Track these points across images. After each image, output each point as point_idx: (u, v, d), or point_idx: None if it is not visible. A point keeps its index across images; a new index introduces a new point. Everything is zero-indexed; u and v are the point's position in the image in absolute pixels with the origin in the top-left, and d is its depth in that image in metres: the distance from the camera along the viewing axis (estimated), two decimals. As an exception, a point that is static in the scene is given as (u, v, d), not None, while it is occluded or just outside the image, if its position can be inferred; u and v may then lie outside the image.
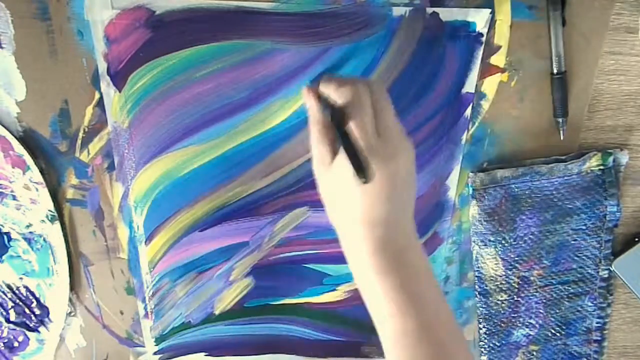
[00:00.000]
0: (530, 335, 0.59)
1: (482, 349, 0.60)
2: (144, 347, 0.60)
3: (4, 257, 0.55)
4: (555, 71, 0.50)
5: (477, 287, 0.58)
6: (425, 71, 0.50)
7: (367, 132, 0.38)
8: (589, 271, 0.57)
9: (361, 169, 0.36)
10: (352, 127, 0.38)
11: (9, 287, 0.56)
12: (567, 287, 0.58)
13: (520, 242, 0.56)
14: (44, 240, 0.54)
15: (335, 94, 0.40)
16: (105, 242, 0.55)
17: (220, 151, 0.52)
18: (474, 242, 0.56)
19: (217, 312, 0.58)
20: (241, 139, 0.51)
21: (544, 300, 0.58)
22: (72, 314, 0.58)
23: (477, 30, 0.48)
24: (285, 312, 0.59)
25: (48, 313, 0.57)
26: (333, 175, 0.40)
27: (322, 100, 0.41)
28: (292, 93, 0.50)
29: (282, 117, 0.51)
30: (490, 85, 0.51)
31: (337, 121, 0.39)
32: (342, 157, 0.38)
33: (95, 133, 0.51)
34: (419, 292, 0.39)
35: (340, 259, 0.56)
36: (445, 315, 0.40)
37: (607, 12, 0.49)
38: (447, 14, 0.48)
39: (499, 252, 0.56)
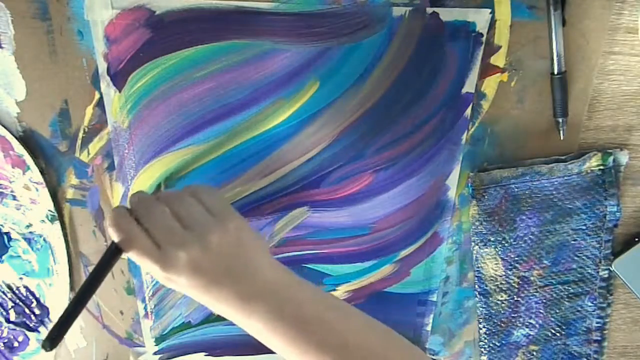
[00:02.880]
0: (530, 335, 0.59)
1: (482, 349, 0.60)
2: (144, 347, 0.60)
3: (4, 257, 0.55)
4: (555, 71, 0.50)
5: (477, 287, 0.58)
6: (425, 71, 0.50)
7: (144, 252, 0.39)
8: (589, 271, 0.57)
9: (54, 334, 0.38)
10: (130, 256, 0.40)
11: (9, 287, 0.56)
12: (567, 287, 0.58)
13: (520, 242, 0.56)
14: (44, 240, 0.54)
15: (110, 234, 0.41)
16: (105, 242, 0.55)
17: (220, 151, 0.52)
18: (474, 242, 0.56)
19: (217, 312, 0.58)
20: (241, 139, 0.51)
21: (544, 300, 0.58)
22: (72, 314, 0.58)
23: (477, 30, 0.48)
24: (285, 312, 0.59)
25: (48, 313, 0.57)
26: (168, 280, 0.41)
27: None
28: (292, 93, 0.50)
29: (282, 118, 0.51)
30: (490, 85, 0.51)
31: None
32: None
33: (95, 133, 0.51)
34: (319, 334, 0.40)
35: (340, 258, 0.57)
36: (367, 340, 0.42)
37: (607, 12, 0.49)
38: (447, 14, 0.48)
39: (499, 252, 0.56)
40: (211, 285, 0.40)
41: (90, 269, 0.56)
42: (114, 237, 0.40)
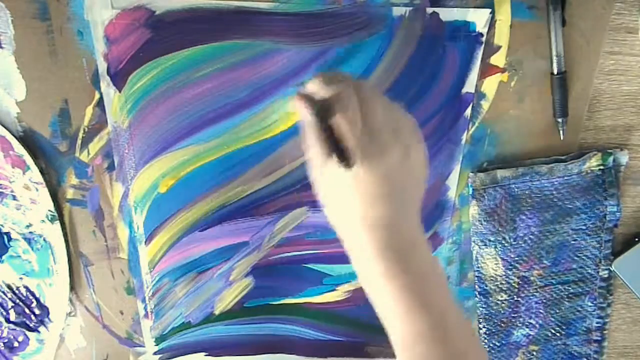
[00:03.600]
0: (530, 335, 0.59)
1: (482, 349, 0.60)
2: (144, 347, 0.60)
3: (4, 257, 0.55)
4: (555, 71, 0.50)
5: (477, 287, 0.58)
6: (425, 71, 0.50)
7: (352, 126, 0.37)
8: (589, 271, 0.57)
9: (343, 156, 0.35)
10: (338, 119, 0.37)
11: (9, 287, 0.56)
12: (567, 287, 0.58)
13: (520, 242, 0.56)
14: (44, 240, 0.54)
15: (322, 89, 0.38)
16: (105, 242, 0.55)
17: (221, 151, 0.52)
18: (474, 242, 0.56)
19: (217, 312, 0.58)
20: (241, 139, 0.51)
21: (544, 300, 0.58)
22: (72, 314, 0.58)
23: (477, 30, 0.48)
24: (285, 312, 0.59)
25: (48, 313, 0.57)
26: (329, 177, 0.39)
27: (313, 101, 0.40)
28: (292, 93, 0.50)
29: (283, 119, 0.51)
30: (490, 85, 0.51)
31: (322, 117, 0.38)
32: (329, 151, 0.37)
33: (95, 133, 0.51)
34: (427, 292, 0.38)
35: (340, 259, 0.57)
36: (454, 315, 0.39)
37: (607, 12, 0.49)
38: (447, 14, 0.48)
39: (499, 252, 0.56)
40: (380, 199, 0.37)
41: (90, 269, 0.56)
42: (328, 91, 0.37)
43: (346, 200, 0.38)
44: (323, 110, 0.37)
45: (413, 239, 0.39)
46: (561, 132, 0.52)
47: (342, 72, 0.42)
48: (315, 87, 0.39)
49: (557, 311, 0.58)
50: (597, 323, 0.59)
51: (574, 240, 0.56)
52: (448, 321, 0.38)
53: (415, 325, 0.37)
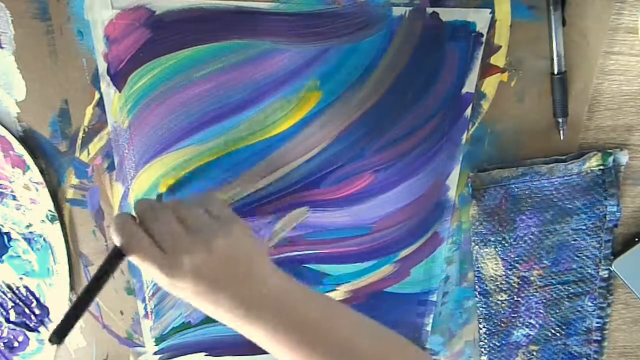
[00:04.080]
0: (530, 335, 0.59)
1: (482, 349, 0.60)
2: (144, 347, 0.60)
3: (4, 257, 0.55)
4: (555, 71, 0.50)
5: (477, 287, 0.58)
6: (425, 71, 0.50)
7: (148, 257, 0.40)
8: (589, 271, 0.57)
9: (60, 329, 0.39)
10: (134, 260, 0.40)
11: (9, 287, 0.56)
12: (567, 287, 0.58)
13: (520, 242, 0.56)
14: (44, 240, 0.54)
15: (112, 237, 0.41)
16: (105, 242, 0.55)
17: (220, 151, 0.52)
18: (474, 242, 0.56)
19: (217, 312, 0.58)
20: (241, 139, 0.51)
21: (544, 300, 0.58)
22: (72, 314, 0.58)
23: (477, 30, 0.48)
24: (285, 312, 0.59)
25: (48, 313, 0.57)
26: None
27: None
28: (291, 93, 0.50)
29: (283, 119, 0.51)
30: (490, 85, 0.51)
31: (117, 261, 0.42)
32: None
33: (95, 133, 0.51)
34: (324, 340, 0.40)
35: (340, 258, 0.57)
36: (363, 340, 0.41)
37: (607, 12, 0.49)
38: (447, 14, 0.48)
39: (499, 252, 0.56)
40: (214, 291, 0.40)
41: (91, 269, 0.56)
42: (116, 240, 0.41)
43: (192, 301, 0.41)
44: (118, 256, 0.41)
45: (280, 300, 0.41)
46: (561, 132, 0.52)
47: (135, 205, 0.45)
48: (111, 235, 0.42)
49: (557, 311, 0.58)
50: (597, 323, 0.59)
51: (574, 240, 0.56)
52: (360, 357, 0.41)
53: (305, 350, 0.40)
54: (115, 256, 0.41)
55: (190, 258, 0.39)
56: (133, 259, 0.40)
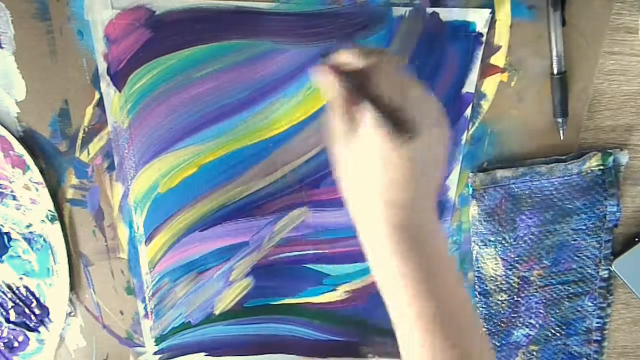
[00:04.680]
0: (530, 335, 0.59)
1: (482, 349, 0.60)
2: (144, 347, 0.60)
3: (4, 257, 0.55)
4: (555, 71, 0.50)
5: (477, 287, 0.58)
6: (425, 71, 0.50)
7: (391, 97, 0.37)
8: (589, 271, 0.57)
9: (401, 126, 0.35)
10: (375, 91, 0.37)
11: (9, 287, 0.56)
12: (567, 287, 0.58)
13: (520, 242, 0.56)
14: (44, 240, 0.54)
15: (358, 60, 0.38)
16: (105, 242, 0.55)
17: (220, 151, 0.52)
18: (474, 242, 0.56)
19: (217, 312, 0.58)
20: (241, 139, 0.51)
21: (544, 300, 0.58)
22: (72, 314, 0.58)
23: (477, 30, 0.48)
24: (285, 312, 0.59)
25: (48, 313, 0.57)
26: (355, 151, 0.38)
27: (344, 72, 0.39)
28: (292, 93, 0.50)
29: (283, 119, 0.51)
30: (490, 85, 0.51)
31: (357, 90, 0.38)
32: (371, 127, 0.36)
33: (95, 133, 0.51)
34: (438, 277, 0.38)
35: (340, 259, 0.57)
36: (464, 302, 0.39)
37: (607, 12, 0.49)
38: (447, 14, 0.48)
39: (499, 252, 0.56)
40: (403, 180, 0.36)
41: (91, 269, 0.56)
42: (360, 61, 0.37)
43: (369, 175, 0.37)
44: (357, 81, 0.37)
45: (428, 223, 0.39)
46: (561, 132, 0.52)
47: (375, 47, 0.41)
48: (349, 58, 0.38)
49: (557, 311, 0.58)
50: (597, 323, 0.59)
51: (574, 240, 0.56)
52: (458, 308, 0.38)
53: (424, 309, 0.37)
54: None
55: (422, 138, 0.36)
56: (375, 89, 0.37)
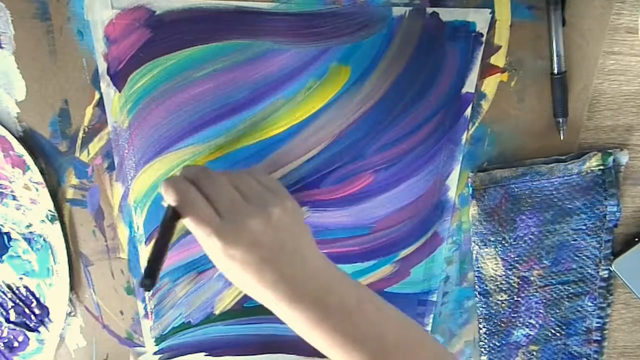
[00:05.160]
0: (530, 335, 0.59)
1: (482, 349, 0.60)
2: (144, 347, 0.60)
3: (4, 257, 0.55)
4: (555, 71, 0.50)
5: (477, 287, 0.58)
6: (425, 71, 0.50)
7: (204, 220, 0.39)
8: (589, 271, 0.57)
9: (148, 275, 0.37)
10: (187, 223, 0.40)
11: (9, 287, 0.56)
12: (567, 287, 0.58)
13: (520, 242, 0.56)
14: (44, 240, 0.54)
15: (165, 197, 0.41)
16: (105, 242, 0.55)
17: (220, 151, 0.52)
18: (474, 242, 0.56)
19: (217, 312, 0.58)
20: (241, 139, 0.51)
21: (544, 300, 0.58)
22: (72, 314, 0.58)
23: (477, 30, 0.48)
24: (285, 312, 0.59)
25: (48, 313, 0.57)
26: (216, 260, 0.40)
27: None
28: (292, 93, 0.50)
29: (283, 119, 0.51)
30: (490, 85, 0.51)
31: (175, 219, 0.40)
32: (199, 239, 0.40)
33: (95, 133, 0.51)
34: (357, 327, 0.39)
35: (340, 259, 0.57)
36: (395, 337, 0.40)
37: (607, 12, 0.49)
38: (447, 14, 0.48)
39: (499, 252, 0.56)
40: (263, 263, 0.39)
41: (91, 269, 0.56)
42: (171, 199, 0.39)
43: (237, 273, 0.40)
44: (175, 215, 0.40)
45: (321, 282, 0.40)
46: (561, 132, 0.52)
47: (184, 170, 0.44)
48: (164, 195, 0.41)
49: (557, 311, 0.58)
50: (597, 323, 0.59)
51: (574, 240, 0.56)
52: (389, 347, 0.40)
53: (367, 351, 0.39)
54: (170, 219, 0.40)
55: (248, 225, 0.38)
56: (188, 221, 0.39)
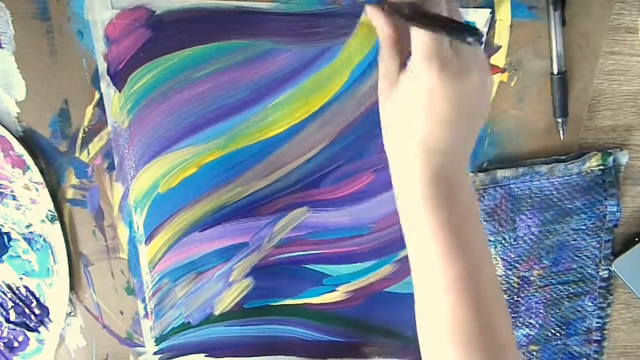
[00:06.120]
0: (530, 335, 0.59)
1: (482, 349, 0.60)
2: (144, 347, 0.60)
3: (4, 257, 0.55)
4: (555, 71, 0.50)
5: (477, 287, 0.58)
6: (425, 71, 0.50)
7: (440, 43, 0.35)
8: (589, 271, 0.57)
9: (466, 30, 0.33)
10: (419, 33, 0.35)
11: (9, 287, 0.56)
12: (567, 287, 0.58)
13: (520, 242, 0.56)
14: (44, 240, 0.54)
15: None
16: (105, 242, 0.55)
17: (220, 151, 0.52)
18: (474, 242, 0.56)
19: (217, 312, 0.58)
20: (241, 139, 0.51)
21: (544, 300, 0.58)
22: (72, 314, 0.58)
23: (477, 30, 0.48)
24: (285, 313, 0.59)
25: (48, 313, 0.57)
26: (398, 94, 0.37)
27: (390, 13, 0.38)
28: (292, 93, 0.50)
29: (283, 119, 0.51)
30: (490, 85, 0.51)
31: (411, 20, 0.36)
32: (423, 58, 0.35)
33: (95, 133, 0.51)
34: (469, 234, 0.37)
35: (340, 259, 0.57)
36: (490, 266, 0.38)
37: (607, 12, 0.49)
38: (447, 14, 0.48)
39: (499, 252, 0.56)
40: (446, 123, 0.36)
41: (90, 269, 0.56)
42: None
43: (412, 118, 0.36)
44: (411, 13, 0.36)
45: (463, 176, 0.38)
46: (561, 132, 0.52)
47: None
48: None
49: (557, 311, 0.58)
50: (597, 323, 0.59)
51: (574, 240, 0.56)
52: (484, 271, 0.37)
53: (453, 268, 0.36)
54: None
55: (470, 80, 0.35)
56: (419, 31, 0.35)
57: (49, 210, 0.53)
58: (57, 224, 0.53)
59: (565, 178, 0.54)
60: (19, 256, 0.55)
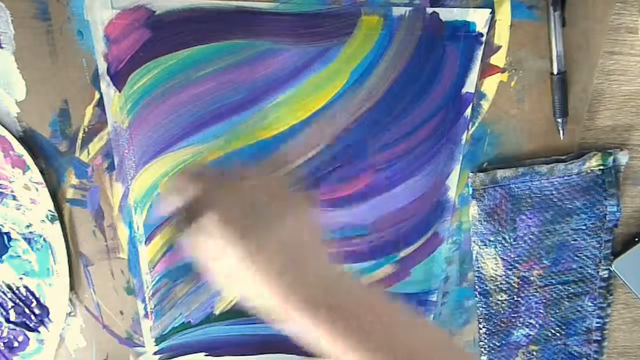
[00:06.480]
0: (530, 335, 0.59)
1: (482, 349, 0.60)
2: (144, 347, 0.60)
3: (4, 257, 0.55)
4: (555, 71, 0.50)
5: (477, 287, 0.58)
6: (425, 71, 0.50)
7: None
8: (589, 271, 0.57)
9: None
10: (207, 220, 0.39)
11: (9, 287, 0.56)
12: (567, 287, 0.58)
13: (520, 242, 0.56)
14: (44, 240, 0.54)
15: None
16: (105, 242, 0.55)
17: (220, 151, 0.52)
18: (474, 242, 0.56)
19: (217, 312, 0.58)
20: (241, 139, 0.51)
21: (544, 300, 0.58)
22: (72, 314, 0.58)
23: (477, 30, 0.48)
24: (285, 312, 0.59)
25: (48, 313, 0.57)
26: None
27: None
28: (292, 93, 0.50)
29: (282, 119, 0.51)
30: (490, 85, 0.51)
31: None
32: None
33: (95, 133, 0.51)
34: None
35: (340, 259, 0.57)
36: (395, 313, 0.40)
37: (607, 12, 0.49)
38: (447, 14, 0.48)
39: (499, 252, 0.56)
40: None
41: (90, 269, 0.56)
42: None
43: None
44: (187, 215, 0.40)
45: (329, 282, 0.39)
46: (561, 132, 0.52)
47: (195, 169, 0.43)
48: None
49: (557, 311, 0.58)
50: (597, 323, 0.59)
51: (574, 240, 0.56)
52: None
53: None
54: None
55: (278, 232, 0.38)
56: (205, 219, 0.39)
57: (49, 210, 0.53)
58: (57, 224, 0.53)
59: (565, 178, 0.54)
60: (19, 256, 0.55)
